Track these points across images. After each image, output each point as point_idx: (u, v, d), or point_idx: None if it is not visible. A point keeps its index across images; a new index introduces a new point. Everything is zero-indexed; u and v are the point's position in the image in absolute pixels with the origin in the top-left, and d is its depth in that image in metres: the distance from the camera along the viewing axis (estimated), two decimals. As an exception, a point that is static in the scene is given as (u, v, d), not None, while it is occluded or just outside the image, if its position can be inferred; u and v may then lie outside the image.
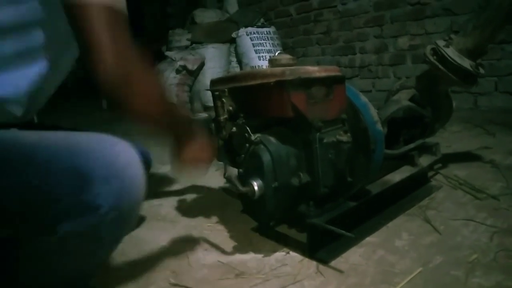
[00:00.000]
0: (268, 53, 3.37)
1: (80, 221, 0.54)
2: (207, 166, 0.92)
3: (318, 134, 0.87)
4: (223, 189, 1.46)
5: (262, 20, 3.74)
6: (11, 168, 0.52)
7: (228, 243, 1.05)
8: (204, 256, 0.99)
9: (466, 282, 0.78)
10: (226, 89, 1.00)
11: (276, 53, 0.99)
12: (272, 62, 0.95)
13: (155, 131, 0.79)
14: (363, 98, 0.97)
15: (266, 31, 3.51)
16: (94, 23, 0.59)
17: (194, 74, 3.45)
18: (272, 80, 0.85)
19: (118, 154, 0.58)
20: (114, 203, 0.55)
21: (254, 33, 3.44)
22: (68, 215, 0.53)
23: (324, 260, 0.90)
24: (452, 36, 1.23)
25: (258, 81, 0.89)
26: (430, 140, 1.38)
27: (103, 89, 0.59)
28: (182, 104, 1.19)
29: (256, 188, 0.87)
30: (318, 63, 3.50)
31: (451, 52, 1.20)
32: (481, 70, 1.22)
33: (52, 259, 0.59)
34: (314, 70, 0.87)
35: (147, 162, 1.15)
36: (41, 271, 0.60)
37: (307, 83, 0.85)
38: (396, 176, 1.19)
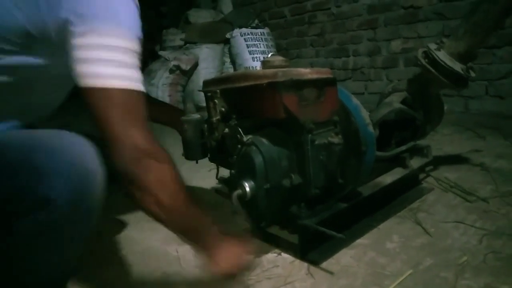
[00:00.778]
0: (262, 54, 3.38)
1: (36, 216, 0.53)
2: (247, 270, 0.79)
3: (309, 135, 0.87)
4: (215, 190, 1.46)
5: (256, 21, 3.74)
6: None
7: (220, 245, 1.04)
8: (195, 258, 0.98)
9: (456, 284, 0.79)
10: (218, 90, 0.99)
11: (269, 55, 0.99)
12: (264, 63, 0.95)
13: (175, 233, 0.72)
14: (355, 100, 0.97)
15: (260, 32, 3.51)
16: (109, 113, 0.58)
17: (188, 74, 3.44)
18: (264, 81, 0.85)
19: (73, 148, 0.57)
20: (70, 197, 0.54)
21: (248, 34, 3.44)
22: (23, 211, 0.52)
23: (315, 262, 0.91)
24: (444, 39, 1.24)
25: (251, 83, 0.89)
26: (421, 142, 1.39)
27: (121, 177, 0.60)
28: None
29: (248, 189, 0.87)
30: (311, 65, 3.51)
31: (442, 56, 1.21)
32: (472, 73, 1.23)
33: (14, 260, 0.57)
34: (306, 72, 0.87)
35: None
36: (4, 273, 0.58)
37: (299, 85, 0.85)
38: (388, 178, 1.20)
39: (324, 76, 0.90)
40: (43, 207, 0.53)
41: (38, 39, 0.61)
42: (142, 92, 0.64)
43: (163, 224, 0.67)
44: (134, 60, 0.62)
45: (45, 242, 0.57)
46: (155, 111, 1.05)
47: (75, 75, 0.59)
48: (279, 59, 0.94)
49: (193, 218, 0.70)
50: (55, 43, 0.61)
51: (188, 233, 0.71)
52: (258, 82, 0.87)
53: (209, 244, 0.72)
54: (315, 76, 0.88)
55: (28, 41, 0.61)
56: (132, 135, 0.59)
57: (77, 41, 0.58)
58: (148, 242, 1.10)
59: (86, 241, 0.65)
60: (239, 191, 0.87)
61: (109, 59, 0.59)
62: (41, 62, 0.65)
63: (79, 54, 0.58)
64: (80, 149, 0.58)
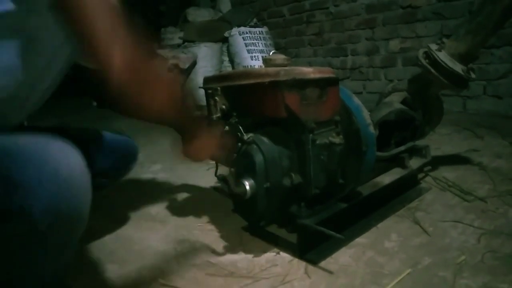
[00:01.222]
0: (260, 53, 3.37)
1: (10, 228, 0.48)
2: (203, 160, 0.92)
3: (311, 135, 0.87)
4: (214, 189, 1.46)
5: (255, 20, 3.73)
6: None
7: (218, 243, 1.04)
8: (193, 256, 0.98)
9: (454, 283, 0.79)
10: (219, 88, 0.99)
11: (271, 53, 0.99)
12: (266, 61, 0.95)
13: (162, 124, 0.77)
14: (356, 100, 0.97)
15: (259, 31, 3.50)
16: (93, 17, 0.58)
17: (186, 72, 3.44)
18: (267, 80, 0.85)
19: (51, 154, 0.52)
20: (48, 207, 0.49)
21: (246, 32, 3.43)
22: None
23: (314, 261, 0.91)
24: (445, 40, 1.24)
25: (252, 81, 0.89)
26: (420, 142, 1.39)
27: (112, 89, 0.59)
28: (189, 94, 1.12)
29: (248, 188, 0.87)
30: (310, 64, 3.51)
31: (443, 56, 1.21)
32: (472, 75, 1.23)
33: None
34: (308, 71, 0.87)
35: (132, 155, 1.12)
36: None
37: (302, 84, 0.85)
38: (387, 178, 1.20)
39: (327, 75, 0.90)
40: (16, 218, 0.48)
41: None
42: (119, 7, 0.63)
43: (157, 120, 0.73)
44: None
45: (23, 254, 0.52)
46: None
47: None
48: (281, 57, 0.94)
49: (186, 110, 0.77)
50: None
51: (179, 123, 0.79)
52: (260, 80, 0.87)
53: (188, 132, 0.81)
54: (317, 75, 0.87)
55: None
56: (119, 45, 0.59)
57: None
58: (146, 241, 1.09)
59: (71, 250, 0.61)
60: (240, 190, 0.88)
61: None
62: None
63: None
64: (62, 158, 0.52)
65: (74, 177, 0.52)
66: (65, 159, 0.52)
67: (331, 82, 0.90)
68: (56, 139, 0.54)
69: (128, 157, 1.11)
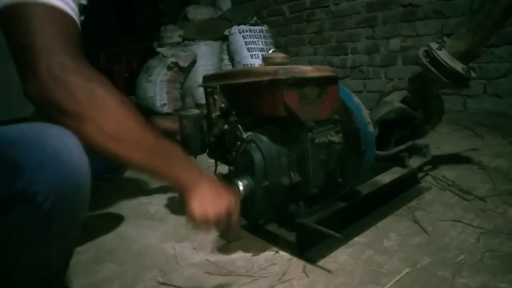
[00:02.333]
0: (260, 51, 3.37)
1: (17, 212, 0.51)
2: (232, 224, 0.71)
3: (310, 134, 0.86)
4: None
5: (255, 18, 3.73)
6: None
7: (217, 242, 1.04)
8: (192, 255, 0.98)
9: (453, 282, 0.79)
10: (218, 86, 0.99)
11: (270, 51, 0.99)
12: (266, 60, 0.94)
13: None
14: (356, 99, 0.97)
15: (259, 29, 3.50)
16: (37, 28, 0.51)
17: (186, 71, 3.43)
18: (266, 78, 0.85)
19: (50, 137, 0.52)
20: (52, 188, 0.50)
21: (246, 31, 3.43)
22: (2, 208, 0.50)
23: (312, 260, 0.90)
24: (445, 38, 1.24)
25: (251, 79, 0.89)
26: (420, 141, 1.39)
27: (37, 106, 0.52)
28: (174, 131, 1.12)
29: (241, 188, 0.86)
30: (310, 63, 3.51)
31: (443, 55, 1.20)
32: (473, 74, 1.23)
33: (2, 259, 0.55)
34: (308, 70, 0.86)
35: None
36: None
37: (301, 82, 0.85)
38: (386, 177, 1.20)
39: (326, 74, 0.89)
40: (24, 202, 0.50)
41: None
42: (76, 23, 0.56)
43: (117, 158, 0.57)
44: None
45: (32, 238, 0.54)
46: None
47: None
48: (280, 56, 0.93)
49: (154, 147, 0.59)
50: None
51: (152, 167, 0.60)
52: (259, 78, 0.87)
53: (184, 182, 0.64)
54: (317, 74, 0.87)
55: None
56: (57, 51, 0.51)
57: None
58: (145, 239, 1.09)
59: (75, 236, 0.62)
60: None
61: None
62: None
63: None
64: (61, 141, 0.53)
65: (73, 159, 0.52)
66: (64, 143, 0.52)
67: (330, 81, 0.90)
68: (53, 125, 0.54)
69: None
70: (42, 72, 0.50)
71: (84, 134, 0.53)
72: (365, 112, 0.95)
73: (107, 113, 0.54)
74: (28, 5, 0.51)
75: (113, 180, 1.12)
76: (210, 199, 0.65)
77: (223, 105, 0.99)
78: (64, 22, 0.54)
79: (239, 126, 0.92)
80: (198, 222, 0.66)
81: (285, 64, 0.92)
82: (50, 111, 0.52)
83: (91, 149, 0.55)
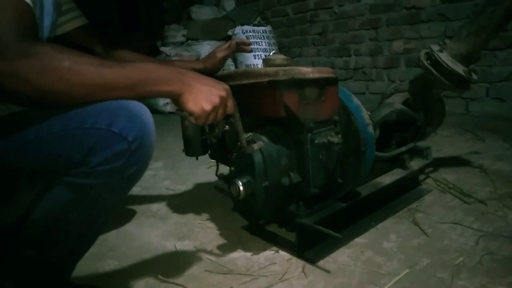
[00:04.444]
0: (263, 52, 3.37)
1: (111, 149, 0.64)
2: (224, 102, 0.72)
3: (309, 134, 0.87)
4: (215, 187, 1.46)
5: (258, 18, 3.73)
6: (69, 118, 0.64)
7: (218, 241, 1.05)
8: (193, 254, 0.99)
9: (451, 284, 0.80)
10: (219, 87, 0.99)
11: (271, 53, 1.00)
12: (266, 61, 0.95)
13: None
14: (356, 100, 0.97)
15: (262, 30, 3.50)
16: None
17: (189, 70, 3.44)
18: (266, 79, 0.85)
19: (134, 105, 0.67)
20: (137, 135, 0.65)
21: (250, 31, 3.44)
22: (100, 146, 0.63)
23: (312, 260, 0.91)
24: (446, 41, 1.24)
25: (252, 80, 0.90)
26: (421, 143, 1.39)
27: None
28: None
29: (241, 188, 0.87)
30: (313, 64, 3.51)
31: (444, 57, 1.21)
32: (474, 76, 1.23)
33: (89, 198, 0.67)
34: (307, 71, 0.87)
35: None
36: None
37: (300, 83, 0.85)
38: (387, 179, 1.20)
39: (326, 75, 0.90)
40: (118, 141, 0.63)
41: None
42: (31, 10, 0.59)
43: (91, 96, 0.59)
44: None
45: (110, 176, 0.66)
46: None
47: None
48: (280, 57, 0.94)
49: (127, 79, 0.61)
50: None
51: (135, 95, 0.63)
52: (259, 80, 0.87)
53: (174, 92, 0.66)
54: (316, 75, 0.88)
55: None
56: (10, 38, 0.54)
57: None
58: (146, 237, 1.10)
59: (120, 201, 0.74)
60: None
61: None
62: None
63: None
64: (141, 108, 0.68)
65: (151, 122, 0.68)
66: (144, 110, 0.68)
67: (330, 82, 0.90)
68: (134, 101, 0.67)
69: None
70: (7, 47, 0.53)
71: (49, 86, 0.55)
72: (365, 113, 0.96)
73: (72, 60, 0.57)
74: None
75: None
76: (202, 96, 0.69)
77: (224, 105, 0.99)
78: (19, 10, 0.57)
79: (240, 126, 0.93)
80: (197, 118, 0.70)
81: (285, 65, 0.93)
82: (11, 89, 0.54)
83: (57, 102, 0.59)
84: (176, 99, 0.68)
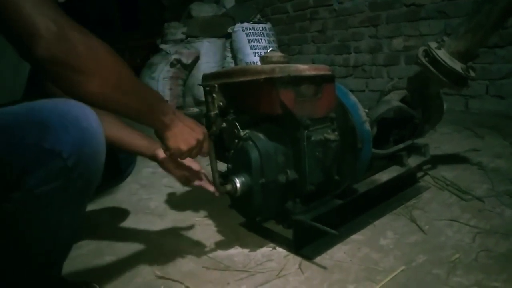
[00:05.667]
0: (263, 49, 3.37)
1: (45, 169, 0.56)
2: (199, 146, 0.79)
3: (306, 132, 0.87)
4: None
5: (258, 16, 3.72)
6: None
7: (216, 238, 1.05)
8: (191, 250, 0.99)
9: (447, 280, 0.80)
10: (216, 85, 1.00)
11: (268, 50, 1.00)
12: (263, 59, 0.95)
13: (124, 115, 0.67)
14: (353, 98, 0.97)
15: (262, 27, 3.50)
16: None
17: (189, 68, 3.44)
18: (262, 77, 0.86)
19: (72, 107, 0.59)
20: (74, 149, 0.57)
21: (250, 28, 3.43)
22: (33, 165, 0.56)
23: (309, 256, 0.91)
24: (445, 38, 1.24)
25: (248, 78, 0.90)
26: (419, 141, 1.39)
27: (45, 71, 0.55)
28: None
29: (238, 185, 0.87)
30: (312, 61, 3.51)
31: (442, 54, 1.21)
32: (472, 73, 1.23)
33: (23, 219, 0.60)
34: (304, 69, 0.87)
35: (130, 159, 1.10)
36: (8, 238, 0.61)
37: (297, 81, 0.85)
38: (384, 176, 1.21)
39: (322, 72, 0.90)
40: (51, 158, 0.56)
41: None
42: None
43: (108, 107, 0.62)
44: None
45: (49, 196, 0.59)
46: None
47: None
48: (277, 55, 0.94)
49: (143, 94, 0.67)
50: None
51: (138, 111, 0.67)
52: (255, 77, 0.87)
53: (164, 122, 0.71)
54: (313, 72, 0.88)
55: None
56: (48, 13, 0.53)
57: None
58: (144, 234, 1.11)
59: (84, 210, 0.68)
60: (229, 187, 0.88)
61: None
62: None
63: None
64: (80, 110, 0.59)
65: (92, 127, 0.59)
66: (84, 113, 0.59)
67: (327, 79, 0.91)
68: (73, 101, 0.60)
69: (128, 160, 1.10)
70: (43, 33, 0.52)
71: (88, 86, 0.57)
72: (362, 111, 0.96)
73: (108, 66, 0.59)
74: None
75: (117, 183, 1.15)
76: (183, 136, 0.74)
77: (221, 103, 1.00)
78: None
79: (237, 124, 0.93)
80: (172, 155, 0.77)
81: (282, 63, 0.93)
82: (56, 67, 0.55)
83: (88, 102, 0.60)
84: (161, 131, 0.73)
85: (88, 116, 0.59)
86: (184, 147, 0.75)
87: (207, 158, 1.16)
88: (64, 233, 0.66)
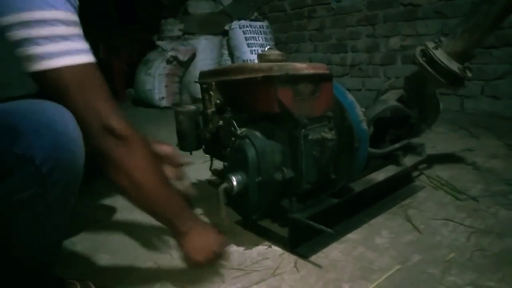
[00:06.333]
0: (260, 47, 3.36)
1: (18, 176, 0.54)
2: (219, 258, 0.82)
3: (303, 130, 0.87)
4: (209, 182, 1.46)
5: (256, 13, 3.72)
6: None
7: (211, 236, 1.05)
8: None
9: (442, 280, 0.80)
10: (213, 82, 0.99)
11: (266, 48, 0.99)
12: (261, 57, 0.95)
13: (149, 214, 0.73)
14: (350, 97, 0.97)
15: (259, 25, 3.49)
16: (66, 94, 0.57)
17: (185, 65, 3.43)
18: (260, 75, 0.85)
19: (46, 109, 0.56)
20: (49, 154, 0.54)
21: (247, 26, 3.42)
22: (4, 172, 0.53)
23: (304, 255, 0.91)
24: (442, 38, 1.24)
25: (246, 76, 0.89)
26: (415, 140, 1.40)
27: (92, 152, 0.61)
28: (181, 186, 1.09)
29: (234, 183, 0.87)
30: (310, 60, 3.51)
31: (439, 54, 1.21)
32: (469, 73, 1.24)
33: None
34: (302, 67, 0.87)
35: None
36: None
37: (294, 79, 0.85)
38: (380, 175, 1.21)
39: (320, 71, 0.90)
40: (23, 165, 0.53)
41: None
42: (94, 62, 0.61)
43: (133, 202, 0.68)
44: (75, 30, 0.58)
45: (27, 205, 0.57)
46: None
47: (18, 58, 0.55)
48: (275, 53, 0.94)
49: (166, 199, 0.71)
50: None
51: (160, 214, 0.72)
52: (253, 75, 0.87)
53: (180, 230, 0.73)
54: (311, 71, 0.88)
55: None
56: (95, 111, 0.59)
57: (9, 21, 0.53)
58: (139, 231, 1.10)
59: (69, 211, 0.64)
60: (225, 185, 0.88)
61: (49, 35, 0.55)
62: None
63: (15, 35, 0.53)
64: (57, 113, 0.56)
65: (69, 130, 0.57)
66: (60, 114, 0.57)
67: (325, 78, 0.90)
68: (50, 101, 0.58)
69: None
70: (94, 133, 0.60)
71: (116, 178, 0.64)
72: (359, 110, 0.96)
73: (137, 166, 0.65)
74: (52, 73, 0.56)
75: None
76: (200, 247, 0.76)
77: (218, 101, 0.99)
78: (89, 76, 0.60)
79: (234, 122, 0.93)
80: (187, 263, 0.79)
81: (280, 61, 0.92)
82: (100, 158, 0.63)
83: (120, 191, 0.66)
84: (178, 235, 0.74)
85: (64, 119, 0.56)
86: (200, 259, 0.76)
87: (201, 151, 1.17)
88: (50, 236, 0.65)
